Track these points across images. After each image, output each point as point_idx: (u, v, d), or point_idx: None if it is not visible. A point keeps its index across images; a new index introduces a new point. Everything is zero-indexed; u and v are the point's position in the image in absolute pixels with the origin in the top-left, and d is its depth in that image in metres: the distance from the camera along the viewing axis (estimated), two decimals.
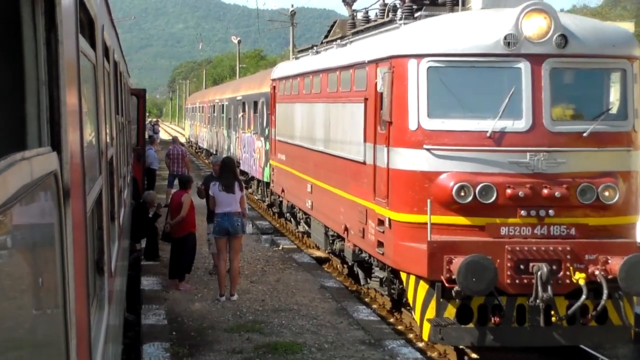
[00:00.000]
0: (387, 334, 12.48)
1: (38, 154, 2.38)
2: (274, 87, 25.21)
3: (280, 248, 19.92)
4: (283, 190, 23.64)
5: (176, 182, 19.93)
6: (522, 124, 12.06)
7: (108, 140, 6.64)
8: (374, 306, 15.61)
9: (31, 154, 2.28)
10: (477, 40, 12.23)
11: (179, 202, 15.06)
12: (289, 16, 55.85)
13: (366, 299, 16.27)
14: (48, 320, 2.62)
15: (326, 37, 21.26)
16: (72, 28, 3.37)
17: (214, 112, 48.10)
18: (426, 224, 11.71)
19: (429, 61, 12.28)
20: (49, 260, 2.64)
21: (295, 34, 57.11)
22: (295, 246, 21.05)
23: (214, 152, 45.73)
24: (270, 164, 26.17)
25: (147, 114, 67.74)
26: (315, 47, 21.65)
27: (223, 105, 43.11)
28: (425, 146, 12.12)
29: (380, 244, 13.38)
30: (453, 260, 11.30)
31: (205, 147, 54.99)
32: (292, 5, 55.83)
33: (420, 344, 13.27)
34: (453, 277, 11.24)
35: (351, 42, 17.50)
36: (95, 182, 4.89)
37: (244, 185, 15.07)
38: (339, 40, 18.77)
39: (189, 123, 74.70)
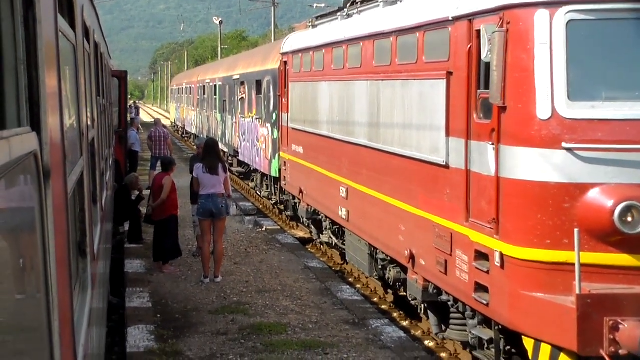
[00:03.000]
0: (371, 313, 12.50)
1: (17, 134, 2.34)
2: (285, 62, 20.65)
3: (263, 229, 19.90)
4: (301, 192, 18.91)
5: (159, 164, 19.86)
6: None
7: (89, 122, 6.59)
8: (358, 286, 15.63)
9: (10, 133, 2.24)
10: None
11: (160, 184, 15.01)
12: None
13: (350, 279, 16.29)
14: (30, 304, 2.60)
15: None
16: (51, 7, 3.33)
17: (204, 94, 43.34)
18: (568, 265, 7.97)
19: (569, 12, 8.28)
20: (30, 242, 2.61)
21: (277, 14, 56.93)
22: (279, 227, 21.04)
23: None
24: (280, 156, 21.77)
25: (129, 96, 67.20)
26: (346, 10, 16.63)
27: (215, 85, 37.99)
28: (565, 144, 8.15)
29: (480, 288, 9.22)
30: (621, 326, 7.53)
31: (194, 132, 49.30)
32: None
33: (404, 323, 13.31)
34: (621, 352, 7.55)
35: None
36: (77, 164, 4.86)
37: (228, 167, 14.98)
38: None
39: (175, 106, 69.51)
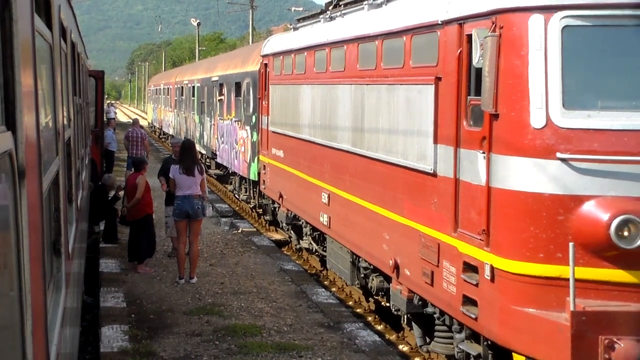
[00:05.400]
0: (346, 316, 12.52)
1: None
2: (266, 64, 20.36)
3: (239, 231, 19.89)
4: (281, 196, 18.57)
5: None
6: None
7: (65, 121, 6.58)
8: (333, 289, 15.66)
9: None
10: None
11: (133, 184, 14.96)
12: None
13: (325, 282, 16.31)
14: (3, 303, 2.60)
15: None
16: (27, 7, 3.33)
17: (181, 95, 43.18)
18: (562, 280, 7.66)
19: (564, 17, 7.94)
20: (4, 241, 2.62)
21: (255, 17, 56.96)
22: (255, 229, 21.02)
23: None
24: (259, 160, 21.42)
25: (106, 97, 66.80)
26: (328, 12, 16.24)
27: (194, 86, 37.80)
28: (559, 154, 7.83)
29: (469, 301, 8.87)
30: (617, 345, 7.22)
31: (171, 133, 48.64)
32: None
33: (379, 327, 13.35)
34: None
35: (388, 1, 12.73)
36: (52, 163, 4.85)
37: (204, 169, 14.95)
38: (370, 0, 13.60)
39: (152, 106, 69.09)
